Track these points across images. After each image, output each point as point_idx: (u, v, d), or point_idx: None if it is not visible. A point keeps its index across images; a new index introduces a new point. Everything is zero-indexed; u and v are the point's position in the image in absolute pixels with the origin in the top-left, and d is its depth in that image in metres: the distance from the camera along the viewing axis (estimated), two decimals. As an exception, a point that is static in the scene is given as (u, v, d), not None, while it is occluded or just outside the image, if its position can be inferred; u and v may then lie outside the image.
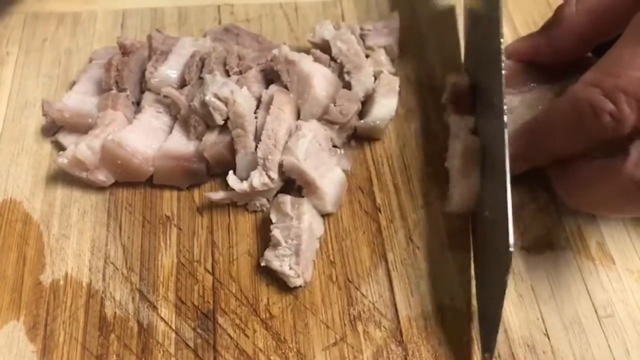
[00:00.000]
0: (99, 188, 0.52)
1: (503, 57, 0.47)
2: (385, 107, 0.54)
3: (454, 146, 0.52)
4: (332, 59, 0.56)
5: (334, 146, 0.54)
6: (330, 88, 0.53)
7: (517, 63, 0.53)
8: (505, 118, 0.45)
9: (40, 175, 0.53)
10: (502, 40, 0.47)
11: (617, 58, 0.40)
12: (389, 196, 0.52)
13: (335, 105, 0.52)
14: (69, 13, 0.65)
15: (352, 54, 0.55)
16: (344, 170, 0.53)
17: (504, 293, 0.41)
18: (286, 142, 0.50)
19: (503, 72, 0.46)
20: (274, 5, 0.66)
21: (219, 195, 0.50)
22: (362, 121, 0.54)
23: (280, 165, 0.49)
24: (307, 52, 0.55)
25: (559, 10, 0.50)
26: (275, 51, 0.53)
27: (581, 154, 0.45)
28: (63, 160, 0.51)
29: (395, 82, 0.56)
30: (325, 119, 0.52)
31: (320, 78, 0.52)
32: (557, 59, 0.51)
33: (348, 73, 0.55)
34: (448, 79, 0.56)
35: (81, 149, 0.50)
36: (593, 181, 0.43)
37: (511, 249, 0.40)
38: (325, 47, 0.57)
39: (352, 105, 0.53)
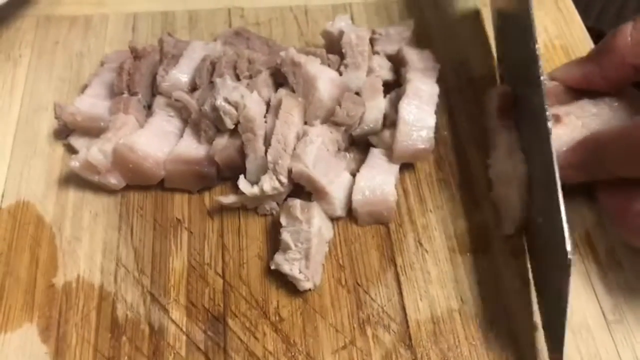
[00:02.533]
0: (110, 191, 0.53)
1: (540, 64, 0.45)
2: (374, 108, 0.54)
3: (505, 166, 0.51)
4: (340, 55, 0.57)
5: (344, 149, 0.54)
6: (336, 91, 0.53)
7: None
8: (550, 125, 0.43)
9: (52, 178, 0.54)
10: (537, 46, 0.46)
11: None
12: (398, 200, 0.53)
13: (341, 108, 0.52)
14: (80, 16, 0.66)
15: (357, 51, 0.56)
16: (352, 174, 0.53)
17: (566, 299, 0.40)
18: (294, 149, 0.50)
19: (543, 79, 0.45)
20: (284, 8, 0.67)
21: (229, 199, 0.51)
22: (357, 129, 0.54)
23: (290, 172, 0.49)
24: (316, 54, 0.56)
25: (612, 38, 0.48)
26: (282, 53, 0.54)
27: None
28: (75, 163, 0.51)
29: (379, 82, 0.55)
30: (332, 120, 0.52)
31: (325, 80, 0.53)
32: (608, 89, 0.49)
33: (345, 66, 0.56)
34: (495, 89, 0.56)
35: (93, 152, 0.51)
36: None
37: (570, 256, 0.39)
38: (337, 42, 0.57)
39: (358, 107, 0.53)
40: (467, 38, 0.64)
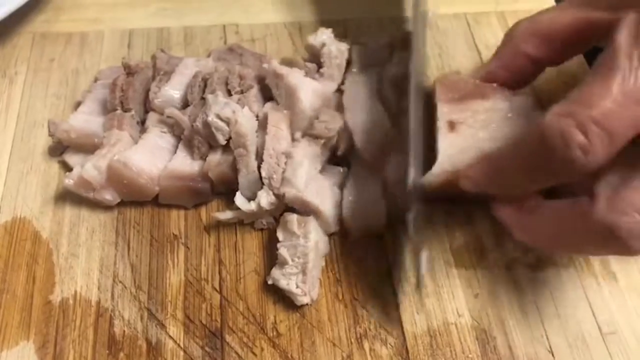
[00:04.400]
0: (106, 207, 0.53)
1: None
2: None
3: None
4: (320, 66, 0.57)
5: (336, 164, 0.55)
6: (318, 101, 0.54)
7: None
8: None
9: (49, 194, 0.54)
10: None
11: (589, 90, 0.38)
12: (393, 212, 0.53)
13: (319, 121, 0.53)
14: (76, 33, 0.66)
15: (335, 64, 0.57)
16: (339, 188, 0.53)
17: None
18: (283, 172, 0.50)
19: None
20: (278, 25, 0.67)
21: (226, 215, 0.51)
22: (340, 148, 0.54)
23: (282, 196, 0.49)
24: (292, 63, 0.57)
25: (509, 31, 0.50)
26: (265, 65, 0.54)
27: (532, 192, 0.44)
28: (69, 181, 0.52)
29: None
30: (309, 133, 0.53)
31: (307, 91, 0.53)
32: (514, 83, 0.50)
33: (320, 75, 0.56)
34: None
35: (87, 169, 0.51)
36: (557, 224, 0.41)
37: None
38: (319, 54, 0.58)
39: (335, 120, 0.53)
40: (456, 51, 0.65)
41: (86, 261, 0.50)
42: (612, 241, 0.39)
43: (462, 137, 0.49)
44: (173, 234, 0.52)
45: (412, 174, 0.47)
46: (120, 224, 0.53)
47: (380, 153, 0.52)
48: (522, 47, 0.49)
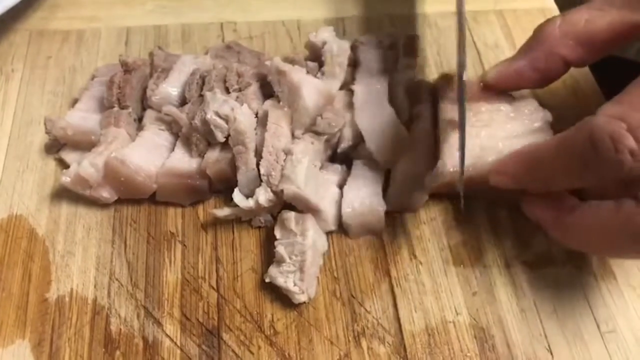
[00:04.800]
0: (103, 205, 0.53)
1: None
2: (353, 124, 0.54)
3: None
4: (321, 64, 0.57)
5: (333, 161, 0.55)
6: (320, 98, 0.53)
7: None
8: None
9: (45, 192, 0.54)
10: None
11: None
12: (392, 212, 0.53)
13: (322, 118, 0.52)
14: (73, 31, 0.66)
15: (336, 62, 0.56)
16: (339, 186, 0.53)
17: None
18: (282, 169, 0.50)
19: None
20: (276, 22, 0.67)
21: (224, 212, 0.51)
22: (341, 145, 0.54)
23: (281, 194, 0.49)
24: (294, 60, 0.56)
25: (539, 30, 0.48)
26: (267, 62, 0.54)
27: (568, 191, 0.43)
28: (66, 178, 0.51)
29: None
30: (313, 130, 0.52)
31: (309, 88, 0.53)
32: (542, 83, 0.49)
33: (322, 74, 0.56)
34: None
35: (84, 166, 0.51)
36: (600, 226, 0.41)
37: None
38: (320, 53, 0.58)
39: (339, 118, 0.53)
40: (455, 49, 0.65)
41: (82, 259, 0.50)
42: None
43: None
44: (170, 231, 0.52)
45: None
46: (117, 222, 0.52)
47: (391, 153, 0.52)
48: (557, 49, 0.47)
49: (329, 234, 0.52)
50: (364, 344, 0.47)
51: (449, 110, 0.51)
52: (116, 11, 0.68)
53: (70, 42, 0.65)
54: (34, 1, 0.67)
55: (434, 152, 0.51)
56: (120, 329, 0.47)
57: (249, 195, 0.50)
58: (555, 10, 0.69)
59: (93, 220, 0.52)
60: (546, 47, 0.47)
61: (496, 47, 0.66)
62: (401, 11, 0.68)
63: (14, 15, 0.65)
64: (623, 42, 0.46)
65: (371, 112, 0.53)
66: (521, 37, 0.66)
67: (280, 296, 0.48)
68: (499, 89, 0.51)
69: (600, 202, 0.41)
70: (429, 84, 0.57)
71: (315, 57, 0.59)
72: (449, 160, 0.48)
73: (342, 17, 0.68)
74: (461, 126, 0.46)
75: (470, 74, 0.63)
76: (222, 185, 0.53)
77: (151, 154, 0.53)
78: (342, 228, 0.52)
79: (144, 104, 0.57)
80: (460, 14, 0.47)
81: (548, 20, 0.48)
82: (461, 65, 0.47)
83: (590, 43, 0.46)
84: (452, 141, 0.49)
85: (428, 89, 0.56)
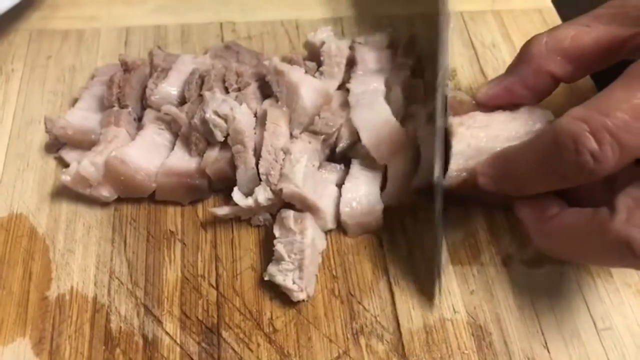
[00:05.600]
0: (103, 203, 0.53)
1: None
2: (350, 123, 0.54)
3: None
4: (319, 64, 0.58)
5: (331, 161, 0.55)
6: (319, 99, 0.54)
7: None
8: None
9: (45, 191, 0.54)
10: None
11: (609, 98, 0.38)
12: (390, 210, 0.53)
13: (320, 118, 0.53)
14: (73, 30, 0.66)
15: (335, 61, 0.57)
16: (337, 185, 0.53)
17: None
18: (281, 168, 0.50)
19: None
20: (275, 22, 0.67)
21: (223, 210, 0.51)
22: (340, 145, 0.54)
23: (280, 193, 0.49)
24: (292, 60, 0.57)
25: (526, 47, 0.48)
26: (266, 62, 0.54)
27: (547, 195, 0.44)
28: (66, 177, 0.52)
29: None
30: (311, 129, 0.53)
31: (308, 88, 0.53)
32: (533, 100, 0.49)
33: (321, 73, 0.57)
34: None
35: (84, 165, 0.51)
36: (575, 232, 0.41)
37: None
38: (318, 52, 0.58)
39: (336, 118, 0.53)
40: (453, 49, 0.65)
41: (82, 257, 0.50)
42: (627, 255, 0.38)
43: (461, 138, 0.49)
44: (170, 230, 0.52)
45: (436, 171, 0.47)
46: (117, 220, 0.53)
47: (388, 150, 0.52)
48: (545, 65, 0.47)
49: (327, 232, 0.52)
50: (362, 341, 0.47)
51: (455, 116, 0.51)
52: (116, 11, 0.68)
53: (70, 42, 0.65)
54: (34, 1, 0.68)
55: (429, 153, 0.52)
56: (121, 327, 0.47)
57: (248, 194, 0.51)
58: (552, 10, 0.70)
59: (93, 218, 0.53)
60: (534, 64, 0.47)
61: (493, 46, 0.66)
62: (400, 11, 0.68)
63: (14, 15, 0.65)
64: (611, 57, 0.46)
65: (367, 110, 0.53)
66: (518, 37, 0.67)
67: (279, 294, 0.48)
68: (490, 106, 0.51)
69: (580, 209, 0.41)
70: (426, 83, 0.58)
71: (314, 56, 0.59)
72: (453, 164, 0.48)
73: (341, 17, 0.68)
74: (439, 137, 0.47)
75: (468, 73, 0.64)
76: (222, 185, 0.53)
77: (151, 153, 0.54)
78: (340, 227, 0.52)
79: (144, 104, 0.57)
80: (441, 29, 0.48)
81: (535, 37, 0.48)
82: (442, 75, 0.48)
83: (577, 59, 0.46)
84: (457, 146, 0.49)
85: (424, 89, 0.57)
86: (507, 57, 0.65)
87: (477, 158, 0.47)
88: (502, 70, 0.63)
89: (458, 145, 0.48)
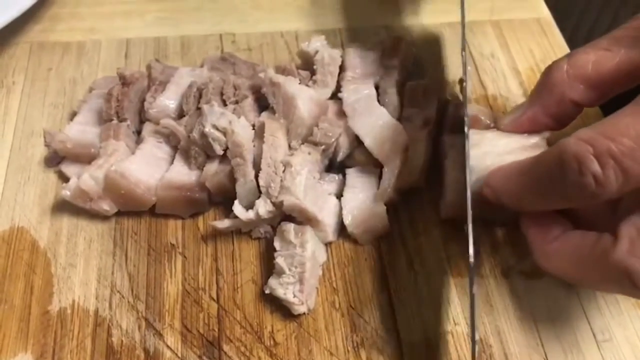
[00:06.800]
0: (104, 217, 0.53)
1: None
2: (347, 132, 0.55)
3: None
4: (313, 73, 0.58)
5: (329, 171, 0.55)
6: (316, 109, 0.54)
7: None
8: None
9: (46, 204, 0.54)
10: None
11: (617, 123, 0.38)
12: (390, 224, 0.53)
13: (318, 129, 0.53)
14: (73, 43, 0.66)
15: (328, 70, 0.57)
16: (336, 196, 0.54)
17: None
18: (281, 181, 0.50)
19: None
20: (275, 34, 0.68)
21: (224, 223, 0.51)
22: (339, 154, 0.55)
23: (281, 205, 0.50)
24: (286, 70, 0.57)
25: (547, 75, 0.47)
26: (261, 74, 0.55)
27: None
28: (66, 192, 0.52)
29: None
30: (310, 140, 0.53)
31: (305, 99, 0.53)
32: (557, 127, 0.49)
33: (314, 82, 0.57)
34: (450, 106, 0.57)
35: (85, 179, 0.51)
36: (577, 257, 0.41)
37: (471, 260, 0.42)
38: (312, 61, 0.58)
39: (335, 128, 0.53)
40: (452, 60, 0.66)
41: (84, 271, 0.51)
42: (626, 285, 0.38)
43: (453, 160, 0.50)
44: (170, 243, 0.52)
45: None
46: (118, 234, 0.53)
47: (392, 150, 0.53)
48: (568, 94, 0.46)
49: (327, 244, 0.52)
50: (363, 354, 0.47)
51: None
52: (116, 23, 0.68)
53: (70, 54, 0.65)
54: (34, 14, 0.68)
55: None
56: (122, 341, 0.47)
57: (248, 207, 0.51)
58: (550, 20, 0.70)
59: (94, 232, 0.53)
60: (556, 94, 0.47)
61: (492, 57, 0.66)
62: (398, 22, 0.69)
63: (15, 28, 0.66)
64: (632, 81, 0.45)
65: (366, 116, 0.54)
66: (517, 47, 0.67)
67: (280, 307, 0.49)
68: None
69: (584, 233, 0.41)
70: (425, 87, 0.58)
71: (308, 65, 0.59)
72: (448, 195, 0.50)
73: (340, 28, 0.68)
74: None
75: (467, 83, 0.64)
76: (222, 197, 0.54)
77: (150, 167, 0.54)
78: (341, 238, 0.53)
79: (142, 117, 0.58)
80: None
81: (555, 64, 0.47)
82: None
83: (599, 86, 0.46)
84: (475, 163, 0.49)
85: (423, 93, 0.57)
86: (505, 67, 0.65)
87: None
88: (501, 80, 0.64)
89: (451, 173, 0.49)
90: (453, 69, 0.65)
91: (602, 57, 0.45)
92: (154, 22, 0.69)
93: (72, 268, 0.51)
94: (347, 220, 0.52)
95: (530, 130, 0.49)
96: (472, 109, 0.53)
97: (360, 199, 0.53)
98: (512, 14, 0.70)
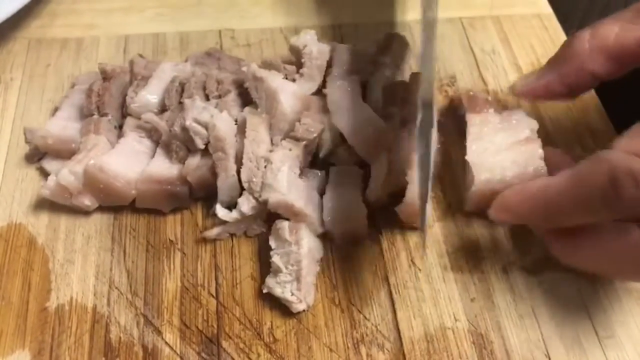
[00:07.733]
0: (102, 213, 0.53)
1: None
2: (330, 128, 0.54)
3: None
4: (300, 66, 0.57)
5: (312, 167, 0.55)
6: (299, 104, 0.53)
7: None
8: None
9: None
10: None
11: None
12: (390, 222, 0.53)
13: (300, 124, 0.52)
14: (72, 39, 0.66)
15: (315, 64, 0.56)
16: (319, 193, 0.53)
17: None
18: (263, 177, 0.50)
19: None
20: (274, 30, 0.67)
21: (213, 232, 0.51)
22: (322, 150, 0.54)
23: (265, 203, 0.49)
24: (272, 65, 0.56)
25: (569, 44, 0.47)
26: (244, 69, 0.54)
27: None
28: (45, 191, 0.51)
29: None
30: (292, 136, 0.52)
31: (287, 94, 0.53)
32: (570, 97, 0.48)
33: (300, 75, 0.56)
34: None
35: (64, 174, 0.51)
36: (604, 249, 0.40)
37: None
38: (301, 55, 0.58)
39: (317, 123, 0.53)
40: (452, 55, 0.66)
41: (82, 267, 0.50)
42: None
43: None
44: (169, 239, 0.52)
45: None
46: (116, 230, 0.52)
47: (373, 147, 0.52)
48: (587, 64, 0.46)
49: (327, 240, 0.52)
50: (363, 350, 0.47)
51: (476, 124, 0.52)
52: (115, 19, 0.68)
53: (69, 50, 0.65)
54: (32, 9, 0.67)
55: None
56: (120, 337, 0.47)
57: (230, 202, 0.51)
58: (551, 15, 0.69)
59: (92, 228, 0.52)
60: (576, 63, 0.46)
61: (493, 52, 0.66)
62: (398, 18, 0.68)
63: (13, 23, 0.65)
64: None
65: (349, 113, 0.53)
66: (518, 43, 0.67)
67: (279, 304, 0.48)
68: (525, 99, 0.51)
69: (604, 226, 0.40)
70: (406, 85, 0.57)
71: (298, 60, 0.59)
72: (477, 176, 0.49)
73: (340, 24, 0.68)
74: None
75: (467, 79, 0.64)
76: (203, 192, 0.53)
77: (131, 161, 0.53)
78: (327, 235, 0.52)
79: (124, 112, 0.57)
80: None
81: (578, 34, 0.47)
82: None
83: (620, 57, 0.45)
84: (476, 160, 0.49)
85: (403, 91, 0.56)
86: (506, 62, 0.65)
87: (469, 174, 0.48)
88: (502, 76, 0.64)
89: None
90: (447, 65, 0.64)
91: (626, 29, 0.44)
92: (152, 18, 0.68)
93: (70, 264, 0.50)
94: (327, 220, 0.51)
95: (544, 97, 0.49)
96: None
97: (342, 200, 0.52)
98: (513, 9, 0.70)
